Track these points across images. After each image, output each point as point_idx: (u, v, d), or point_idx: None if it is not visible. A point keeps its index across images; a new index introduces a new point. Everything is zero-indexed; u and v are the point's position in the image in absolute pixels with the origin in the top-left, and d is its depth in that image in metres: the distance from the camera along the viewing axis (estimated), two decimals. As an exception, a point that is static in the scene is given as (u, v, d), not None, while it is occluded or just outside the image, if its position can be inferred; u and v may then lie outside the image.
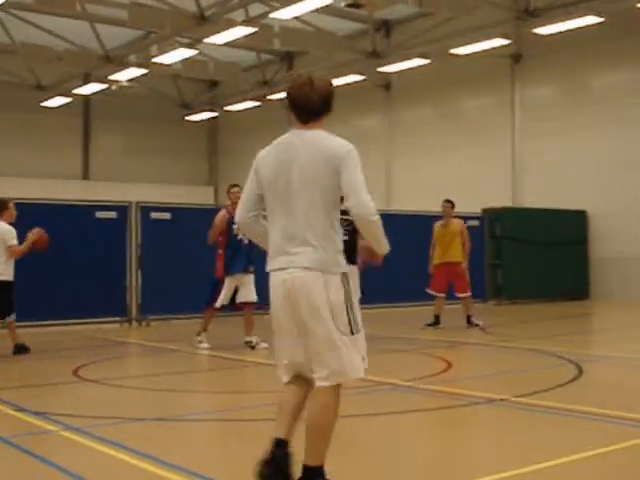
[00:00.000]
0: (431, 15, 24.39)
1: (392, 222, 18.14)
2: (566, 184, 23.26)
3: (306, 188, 4.54)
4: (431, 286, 15.02)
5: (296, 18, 22.43)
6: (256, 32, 22.24)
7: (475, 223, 20.54)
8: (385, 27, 28.22)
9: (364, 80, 27.32)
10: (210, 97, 35.32)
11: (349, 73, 26.75)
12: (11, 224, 11.39)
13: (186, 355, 11.80)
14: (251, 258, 11.85)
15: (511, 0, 22.86)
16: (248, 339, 12.03)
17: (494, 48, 23.03)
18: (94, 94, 30.79)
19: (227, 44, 24.22)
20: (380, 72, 26.77)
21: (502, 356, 11.51)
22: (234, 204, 11.75)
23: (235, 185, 12.20)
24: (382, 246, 4.72)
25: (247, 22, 21.77)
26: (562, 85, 24.55)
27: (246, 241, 11.64)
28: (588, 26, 20.94)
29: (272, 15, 21.12)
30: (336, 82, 27.19)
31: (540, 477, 5.24)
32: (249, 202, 4.85)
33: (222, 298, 11.95)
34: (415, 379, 8.85)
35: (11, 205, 11.57)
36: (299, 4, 19.85)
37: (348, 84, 27.46)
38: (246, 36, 22.62)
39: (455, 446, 6.18)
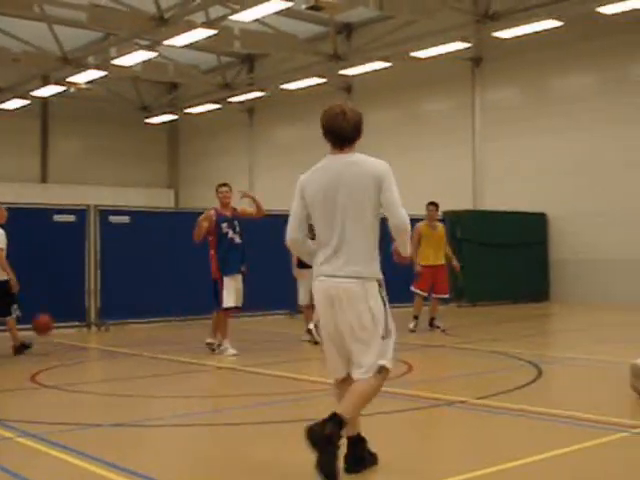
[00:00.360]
0: (392, 18, 24.45)
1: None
2: (526, 187, 23.46)
3: (350, 206, 5.20)
4: (418, 285, 15.00)
5: (257, 20, 22.39)
6: (216, 34, 22.16)
7: None
8: (346, 30, 28.32)
9: (325, 83, 27.34)
10: (170, 99, 35.14)
11: (310, 76, 26.77)
12: (2, 226, 11.89)
13: (146, 360, 11.72)
14: (243, 258, 11.78)
15: (471, 4, 23.03)
16: (210, 341, 11.93)
17: (455, 51, 23.15)
18: (52, 96, 30.53)
19: (187, 46, 24.11)
20: (341, 75, 26.84)
21: (463, 358, 11.58)
22: (222, 204, 11.85)
23: (224, 184, 12.10)
24: (407, 250, 5.33)
25: (207, 24, 21.69)
26: (522, 88, 24.76)
27: (237, 240, 11.63)
28: (548, 30, 21.06)
29: (232, 17, 21.08)
30: (297, 85, 27.26)
31: (501, 478, 5.29)
32: (298, 222, 5.41)
33: (227, 299, 11.58)
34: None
35: (1, 207, 12.09)
36: (259, 6, 19.82)
37: (309, 87, 27.52)
38: (206, 38, 22.53)
39: (415, 448, 6.21)
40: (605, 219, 21.80)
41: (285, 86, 27.85)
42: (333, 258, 5.20)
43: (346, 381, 5.37)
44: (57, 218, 15.94)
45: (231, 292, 11.62)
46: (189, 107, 32.75)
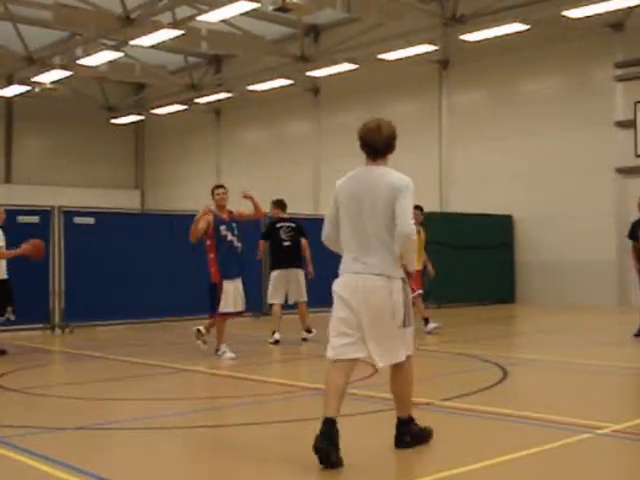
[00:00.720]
0: (359, 20, 24.51)
1: (320, 227, 18.30)
2: (492, 189, 23.60)
3: (374, 212, 5.74)
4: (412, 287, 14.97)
5: (224, 21, 22.34)
6: (183, 35, 22.09)
7: None
8: (314, 32, 28.35)
9: (292, 84, 27.36)
10: (136, 100, 34.99)
11: (277, 77, 26.76)
12: (1, 227, 12.36)
13: (110, 362, 11.64)
14: (243, 262, 11.67)
15: (438, 7, 23.11)
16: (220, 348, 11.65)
17: (422, 54, 23.28)
18: (17, 96, 30.28)
19: (154, 46, 24.03)
20: (309, 76, 26.85)
21: (428, 360, 11.59)
22: (219, 205, 11.65)
23: (220, 186, 11.95)
24: (411, 262, 5.85)
25: (174, 25, 21.62)
26: (489, 91, 24.91)
27: (236, 243, 11.47)
28: (514, 33, 21.26)
29: (199, 18, 21.02)
30: (264, 86, 27.21)
31: (464, 480, 5.31)
32: (332, 223, 6.00)
33: (225, 304, 11.41)
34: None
35: (0, 209, 12.57)
36: (227, 7, 19.78)
37: (276, 88, 27.50)
38: (173, 39, 22.46)
39: (381, 451, 6.20)
40: (570, 222, 22.00)
41: (252, 87, 27.82)
42: (359, 258, 5.77)
43: (346, 367, 5.77)
44: (21, 219, 15.75)
45: (229, 297, 11.44)
46: (156, 108, 32.61)
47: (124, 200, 33.69)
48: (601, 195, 21.33)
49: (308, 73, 26.22)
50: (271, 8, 20.95)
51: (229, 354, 11.47)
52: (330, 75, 26.06)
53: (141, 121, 35.74)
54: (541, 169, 22.68)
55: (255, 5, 19.99)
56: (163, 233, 17.42)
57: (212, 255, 11.53)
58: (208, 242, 11.53)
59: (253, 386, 9.17)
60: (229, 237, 11.44)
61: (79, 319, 16.14)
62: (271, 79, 26.95)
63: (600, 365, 10.80)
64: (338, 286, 5.86)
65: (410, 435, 5.93)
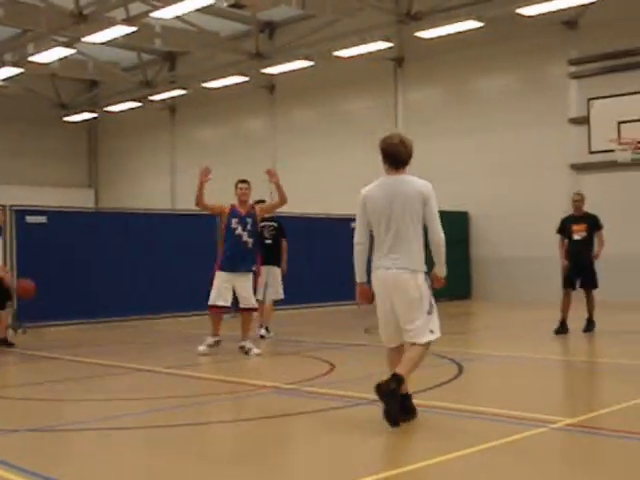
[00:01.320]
0: (315, 17, 24.56)
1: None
2: (448, 186, 23.72)
3: (403, 214, 6.67)
4: None
5: (178, 18, 22.26)
6: (137, 31, 21.99)
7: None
8: (269, 28, 28.33)
9: (248, 81, 27.30)
10: (89, 97, 34.71)
11: (232, 74, 26.70)
12: None
13: (65, 363, 11.57)
14: (253, 258, 11.71)
15: (393, 4, 23.26)
16: (242, 344, 11.70)
17: (377, 51, 23.38)
18: (-33, 93, 29.93)
19: (107, 43, 23.88)
20: (264, 73, 26.80)
21: (384, 357, 11.67)
22: (240, 200, 11.72)
23: (243, 181, 11.97)
24: (443, 266, 6.87)
25: (127, 21, 21.49)
26: (444, 88, 25.09)
27: (245, 238, 11.48)
28: (469, 30, 21.42)
29: (153, 14, 20.92)
30: (219, 83, 27.13)
31: (419, 476, 5.36)
32: (363, 229, 6.91)
33: (211, 296, 11.44)
34: (298, 382, 8.91)
35: None
36: (180, 3, 19.72)
37: (231, 85, 27.44)
38: (126, 35, 22.36)
39: (334, 447, 6.24)
40: (525, 218, 22.25)
41: (207, 84, 27.73)
42: (390, 254, 6.69)
43: (397, 349, 6.92)
44: (-28, 218, 15.59)
45: (219, 289, 11.42)
46: (109, 105, 32.37)
47: (77, 199, 33.35)
48: (556, 192, 21.56)
49: (263, 70, 26.19)
50: (226, 4, 20.84)
51: (201, 348, 11.60)
52: (285, 72, 26.09)
53: (94, 119, 35.43)
54: (496, 166, 22.90)
55: (209, 1, 19.94)
56: (117, 232, 17.35)
57: (221, 246, 11.78)
58: (222, 233, 11.81)
59: (209, 385, 9.18)
60: (238, 231, 11.49)
61: (33, 319, 15.99)
62: (226, 76, 26.88)
63: (554, 360, 10.97)
64: (373, 284, 6.83)
65: (397, 384, 6.48)
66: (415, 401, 6.98)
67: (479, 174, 23.23)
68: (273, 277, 14.15)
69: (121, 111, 32.48)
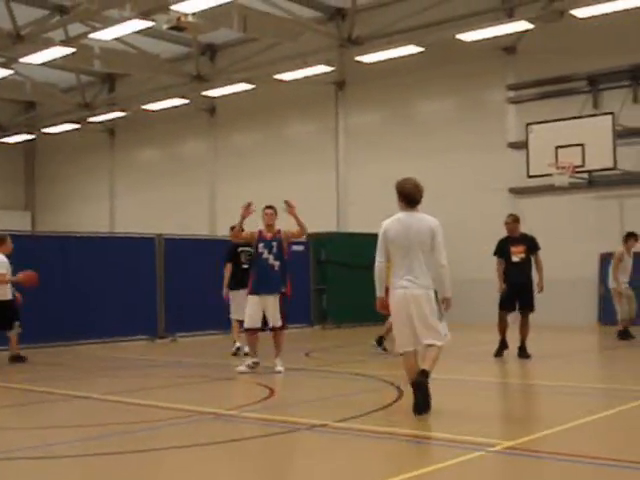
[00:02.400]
0: (256, 40, 24.61)
1: (216, 248, 18.24)
2: (389, 208, 23.75)
3: (418, 244, 8.29)
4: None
5: (117, 39, 22.12)
6: (75, 52, 21.79)
7: (300, 248, 20.78)
8: (210, 51, 28.32)
9: (188, 104, 27.21)
10: (27, 119, 34.26)
11: (173, 96, 26.60)
12: (7, 256, 14.01)
13: (-2, 389, 11.30)
14: (279, 280, 12.05)
15: (334, 28, 23.41)
16: (275, 361, 12.11)
17: (318, 75, 23.46)
18: None
19: (45, 64, 23.63)
20: (204, 96, 26.73)
21: (325, 381, 11.65)
22: (267, 225, 12.19)
23: (269, 207, 12.36)
24: (448, 290, 8.50)
25: (66, 42, 21.32)
26: (385, 111, 25.26)
27: (272, 261, 11.97)
28: (409, 55, 21.64)
29: (92, 36, 20.75)
30: (159, 105, 27.00)
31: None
32: (384, 252, 8.46)
33: (248, 320, 12.03)
34: (237, 407, 8.83)
35: (8, 239, 14.30)
36: (120, 25, 19.62)
37: (172, 108, 27.32)
38: (65, 56, 22.12)
39: (273, 474, 6.19)
40: (465, 241, 22.40)
41: (147, 107, 27.56)
42: (407, 276, 8.24)
43: (410, 353, 8.33)
44: None
45: (253, 312, 11.95)
46: (47, 127, 31.94)
47: (14, 222, 32.76)
48: (494, 215, 21.71)
49: (204, 93, 26.16)
50: (166, 27, 20.76)
51: (241, 368, 12.13)
52: (226, 95, 26.06)
53: (32, 140, 34.98)
54: (436, 189, 22.99)
55: (149, 24, 19.86)
56: (55, 255, 17.07)
57: (251, 271, 12.37)
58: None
59: (145, 411, 9.02)
60: (264, 255, 12.01)
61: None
62: (166, 98, 26.77)
63: (493, 382, 11.04)
64: (393, 299, 8.34)
65: (426, 377, 8.09)
66: (354, 425, 6.94)
67: (419, 198, 23.34)
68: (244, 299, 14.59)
69: (59, 133, 32.06)
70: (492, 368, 12.71)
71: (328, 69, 23.37)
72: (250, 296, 12.05)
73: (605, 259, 19.65)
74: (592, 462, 6.12)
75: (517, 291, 13.55)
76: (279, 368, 11.99)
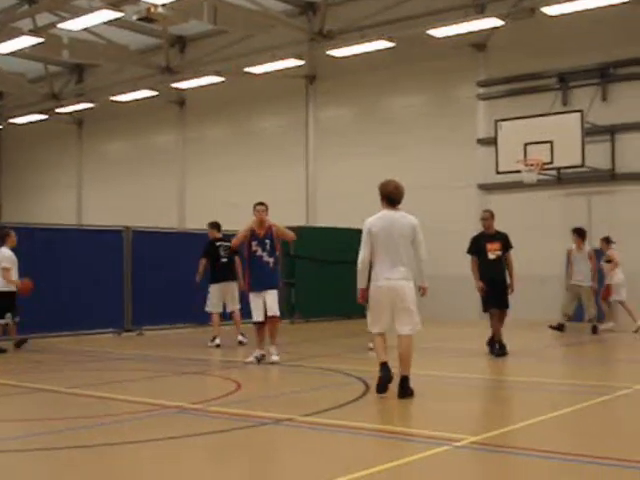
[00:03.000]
0: (226, 33, 24.50)
1: (187, 241, 18.21)
2: (357, 203, 23.82)
3: (400, 240, 8.97)
4: None
5: (86, 30, 21.94)
6: (44, 42, 21.57)
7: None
8: (180, 43, 28.18)
9: (157, 96, 27.05)
10: (-6, 108, 33.92)
11: (142, 88, 26.44)
12: (13, 249, 14.88)
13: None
14: (275, 275, 12.53)
15: (305, 22, 23.36)
16: (269, 348, 12.41)
17: (289, 68, 23.40)
18: None
19: (12, 54, 23.38)
20: (174, 88, 26.59)
21: (292, 375, 11.63)
22: (259, 220, 12.40)
23: (260, 203, 12.59)
24: (425, 280, 9.22)
25: (34, 32, 21.10)
26: (356, 106, 25.24)
27: (266, 258, 12.34)
28: (380, 50, 21.64)
29: (61, 25, 20.57)
30: (128, 97, 26.80)
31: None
32: (369, 248, 9.02)
33: (254, 314, 12.33)
34: (203, 401, 8.79)
35: (12, 233, 14.98)
36: (89, 16, 19.46)
37: (141, 99, 27.15)
38: (33, 46, 21.89)
39: (239, 468, 6.17)
40: (436, 236, 22.36)
41: (116, 98, 27.37)
42: (391, 269, 8.90)
43: (383, 335, 9.13)
44: None
45: (256, 308, 12.31)
46: (14, 117, 31.65)
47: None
48: (464, 211, 21.88)
49: (173, 85, 26.02)
50: (135, 18, 20.59)
51: (251, 358, 12.34)
52: (196, 87, 25.93)
53: (-1, 130, 34.66)
54: (407, 184, 22.91)
55: (118, 14, 19.70)
56: (23, 245, 16.71)
57: (246, 268, 12.67)
58: (245, 254, 12.65)
59: (109, 405, 8.96)
60: (259, 252, 12.31)
61: None
62: (135, 90, 26.60)
63: (460, 377, 11.07)
64: (377, 290, 8.95)
65: (410, 388, 8.83)
66: (320, 420, 6.93)
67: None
68: (231, 291, 15.41)
69: (26, 123, 31.80)
70: (460, 364, 12.75)
71: (299, 63, 23.32)
72: (252, 293, 12.36)
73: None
74: (554, 457, 6.17)
75: (495, 288, 13.28)
76: (275, 357, 12.21)
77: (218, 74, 24.63)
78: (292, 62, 23.15)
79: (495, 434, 7.04)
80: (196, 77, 25.08)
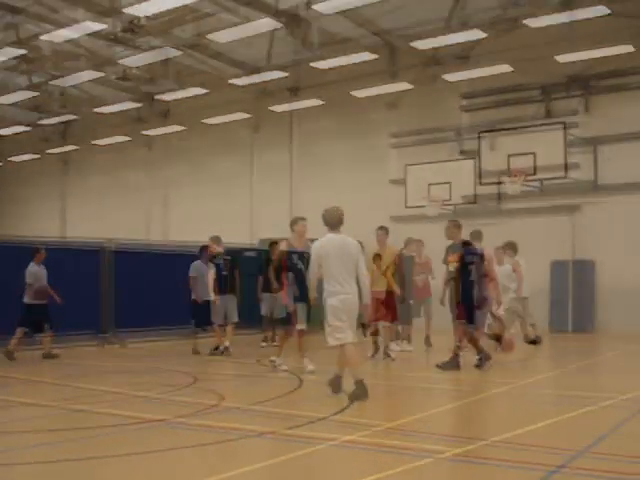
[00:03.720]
0: (188, 89, 23.01)
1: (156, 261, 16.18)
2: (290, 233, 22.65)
3: (348, 259, 8.02)
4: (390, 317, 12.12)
5: (73, 86, 20.23)
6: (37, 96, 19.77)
7: (252, 254, 17.89)
8: (149, 98, 26.44)
9: (130, 140, 25.55)
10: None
11: (117, 134, 25.01)
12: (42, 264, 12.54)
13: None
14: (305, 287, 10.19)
15: (253, 83, 22.06)
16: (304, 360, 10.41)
17: (237, 120, 22.89)
18: None
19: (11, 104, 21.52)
20: (144, 134, 25.06)
21: (279, 383, 10.16)
22: (300, 235, 10.47)
23: (302, 218, 10.67)
24: (367, 297, 8.16)
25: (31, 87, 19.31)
26: (293, 151, 24.04)
27: (304, 271, 10.03)
28: (313, 107, 21.59)
29: (52, 82, 18.82)
30: (106, 141, 25.09)
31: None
32: (317, 265, 8.12)
33: (301, 323, 10.34)
34: (187, 414, 7.17)
35: (42, 251, 12.64)
36: (73, 75, 17.85)
37: (116, 143, 25.53)
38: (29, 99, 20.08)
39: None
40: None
41: (96, 142, 25.86)
42: (343, 285, 7.94)
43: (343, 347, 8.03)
44: None
45: (303, 316, 10.34)
46: (11, 156, 29.58)
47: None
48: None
49: (143, 132, 24.62)
50: (114, 77, 19.10)
51: (310, 367, 10.24)
52: (161, 134, 24.97)
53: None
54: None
55: (100, 75, 18.08)
56: (4, 263, 14.07)
57: (285, 282, 10.47)
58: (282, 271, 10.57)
59: (93, 418, 7.29)
60: (299, 265, 10.32)
61: None
62: (112, 136, 25.38)
63: (442, 389, 9.80)
64: (337, 302, 7.91)
65: (364, 388, 7.78)
66: (304, 432, 5.61)
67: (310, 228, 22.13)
68: (231, 303, 13.04)
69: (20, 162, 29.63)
70: (432, 376, 11.21)
71: (246, 116, 22.87)
72: (298, 303, 10.21)
73: (554, 267, 18.69)
74: (535, 468, 4.91)
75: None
76: (310, 368, 10.21)
77: (180, 124, 23.61)
78: (240, 115, 22.79)
79: (479, 445, 5.73)
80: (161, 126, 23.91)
